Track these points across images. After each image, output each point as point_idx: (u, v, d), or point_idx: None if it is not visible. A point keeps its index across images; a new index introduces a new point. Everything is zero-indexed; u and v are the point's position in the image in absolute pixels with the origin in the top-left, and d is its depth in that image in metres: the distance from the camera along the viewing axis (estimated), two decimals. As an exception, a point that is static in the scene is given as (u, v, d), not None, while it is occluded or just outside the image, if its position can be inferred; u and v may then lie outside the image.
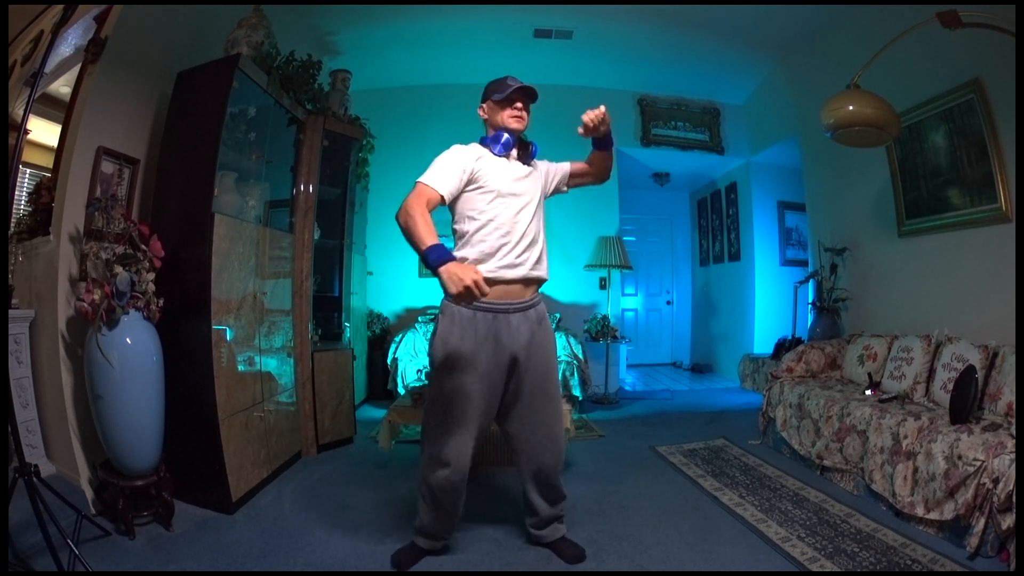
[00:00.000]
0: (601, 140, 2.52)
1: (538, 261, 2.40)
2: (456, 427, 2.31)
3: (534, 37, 5.59)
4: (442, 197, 2.23)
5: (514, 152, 2.48)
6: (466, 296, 1.91)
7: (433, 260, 1.97)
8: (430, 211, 2.16)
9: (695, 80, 6.62)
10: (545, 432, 2.44)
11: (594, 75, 6.48)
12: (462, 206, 2.33)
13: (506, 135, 2.40)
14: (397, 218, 2.12)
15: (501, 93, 2.37)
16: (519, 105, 2.43)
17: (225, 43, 3.39)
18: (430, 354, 2.36)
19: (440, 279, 1.94)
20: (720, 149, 7.09)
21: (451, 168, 2.27)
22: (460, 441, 2.31)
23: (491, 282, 2.17)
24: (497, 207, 2.31)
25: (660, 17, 5.15)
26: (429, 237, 2.03)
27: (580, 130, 2.39)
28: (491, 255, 2.29)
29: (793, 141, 6.08)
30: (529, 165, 2.52)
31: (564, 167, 2.68)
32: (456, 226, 2.37)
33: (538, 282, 2.43)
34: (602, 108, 2.37)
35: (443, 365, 2.30)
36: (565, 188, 2.71)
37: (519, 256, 2.32)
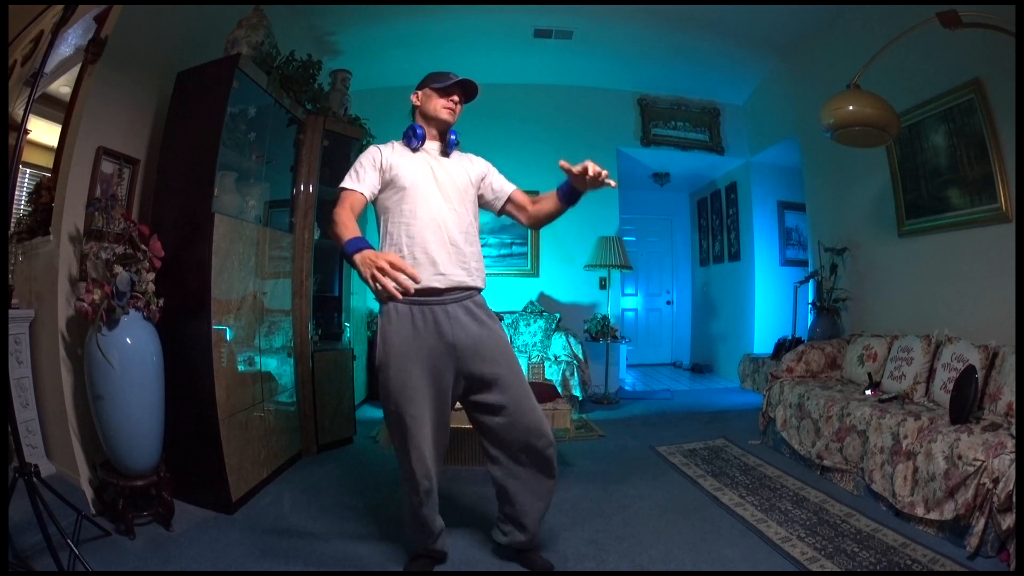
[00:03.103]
0: (573, 193, 2.33)
1: (464, 266, 2.26)
2: (415, 427, 2.17)
3: (534, 37, 5.61)
4: (364, 196, 2.23)
5: (435, 146, 2.37)
6: (384, 275, 1.81)
7: (350, 250, 1.93)
8: (357, 213, 2.17)
9: (695, 80, 6.63)
10: (525, 406, 2.29)
11: (594, 75, 6.50)
12: (381, 204, 2.30)
13: (420, 128, 2.33)
14: (327, 232, 2.12)
15: (442, 83, 2.29)
16: (455, 98, 2.34)
17: (225, 43, 3.39)
18: (376, 358, 2.23)
19: (356, 269, 1.89)
20: (720, 149, 7.10)
21: (366, 165, 2.25)
22: (423, 441, 2.18)
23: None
24: (411, 204, 2.24)
25: (660, 17, 5.16)
26: (348, 233, 2.02)
27: (573, 168, 2.18)
28: (408, 256, 2.20)
29: (793, 141, 6.08)
30: (449, 157, 2.38)
31: (506, 187, 2.51)
32: (380, 227, 2.33)
33: (466, 289, 2.27)
34: (606, 172, 2.17)
35: (388, 363, 2.18)
36: (496, 209, 2.54)
37: (438, 257, 2.21)
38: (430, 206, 2.24)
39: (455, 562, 2.50)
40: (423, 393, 2.18)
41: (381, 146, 2.33)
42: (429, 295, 2.18)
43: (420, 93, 2.37)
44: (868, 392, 3.70)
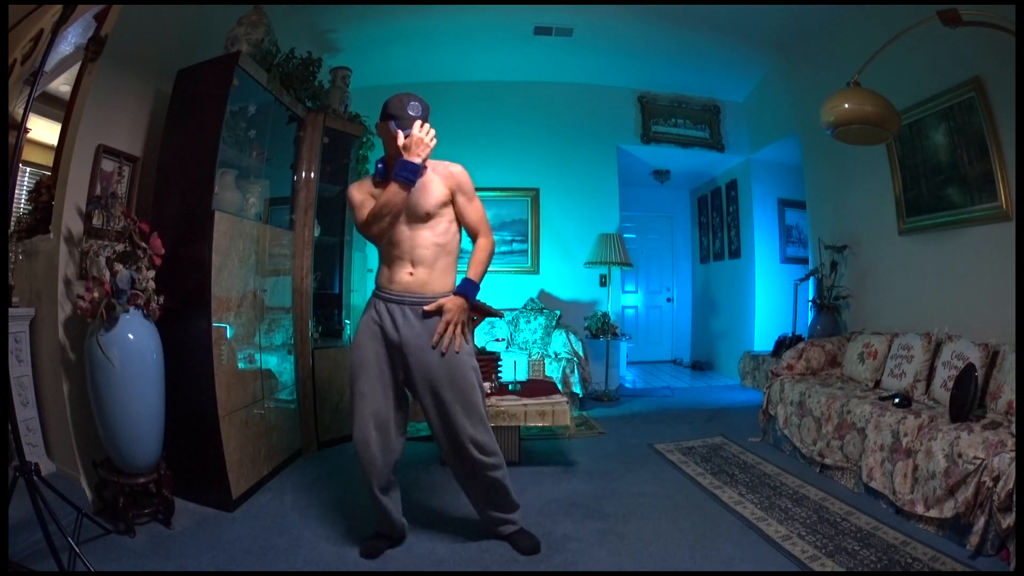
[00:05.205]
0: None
1: (424, 279, 2.43)
2: (358, 402, 2.43)
3: (534, 34, 5.59)
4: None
5: None
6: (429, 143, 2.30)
7: (409, 171, 2.26)
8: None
9: (695, 77, 6.62)
10: (467, 439, 2.45)
11: (594, 72, 6.49)
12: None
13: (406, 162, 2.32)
14: (374, 236, 2.40)
15: (402, 121, 2.32)
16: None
17: (225, 41, 3.39)
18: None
19: (419, 162, 2.28)
20: (720, 146, 7.09)
21: (365, 199, 2.43)
22: (362, 415, 2.41)
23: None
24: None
25: (660, 15, 5.15)
26: (389, 190, 2.28)
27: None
28: (391, 267, 2.47)
29: (793, 138, 6.08)
30: (415, 184, 2.38)
31: (467, 212, 2.51)
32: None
33: (429, 297, 2.43)
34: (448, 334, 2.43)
35: (353, 344, 2.49)
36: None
37: (401, 273, 2.44)
38: (401, 227, 2.42)
39: (456, 561, 2.51)
40: (372, 374, 2.42)
41: (357, 187, 2.50)
42: (395, 297, 2.44)
43: (385, 127, 2.37)
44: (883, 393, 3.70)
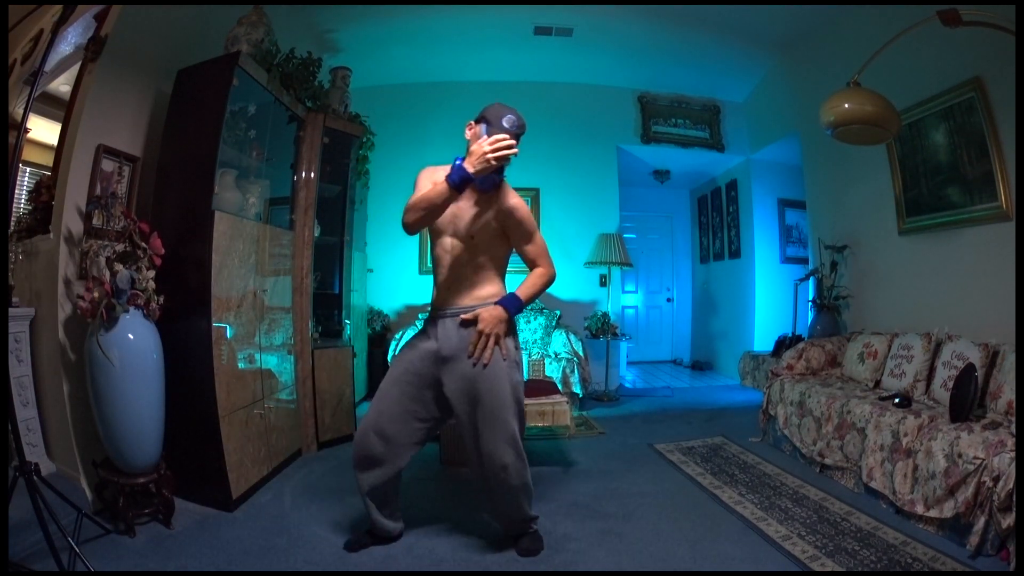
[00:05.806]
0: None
1: (462, 293, 2.43)
2: (380, 394, 2.49)
3: (534, 34, 5.60)
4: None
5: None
6: (491, 158, 2.15)
7: (455, 178, 2.19)
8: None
9: (695, 77, 6.62)
10: (488, 456, 2.42)
11: (594, 72, 6.50)
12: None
13: (460, 161, 2.26)
14: (406, 223, 2.30)
15: (491, 128, 2.27)
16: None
17: (225, 41, 3.39)
18: None
19: (471, 172, 2.18)
20: (720, 146, 7.09)
21: (426, 184, 2.35)
22: (376, 406, 2.47)
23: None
24: (436, 234, 2.46)
25: (660, 15, 5.16)
26: (435, 185, 2.23)
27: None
28: (436, 282, 2.52)
29: (794, 138, 6.08)
30: (480, 194, 2.39)
31: (522, 242, 2.48)
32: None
33: (462, 309, 2.42)
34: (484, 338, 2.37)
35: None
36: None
37: (443, 287, 2.48)
38: (444, 240, 2.45)
39: (456, 561, 2.51)
40: (401, 378, 2.47)
41: (434, 169, 2.45)
42: (439, 311, 2.48)
43: (476, 128, 2.35)
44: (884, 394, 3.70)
